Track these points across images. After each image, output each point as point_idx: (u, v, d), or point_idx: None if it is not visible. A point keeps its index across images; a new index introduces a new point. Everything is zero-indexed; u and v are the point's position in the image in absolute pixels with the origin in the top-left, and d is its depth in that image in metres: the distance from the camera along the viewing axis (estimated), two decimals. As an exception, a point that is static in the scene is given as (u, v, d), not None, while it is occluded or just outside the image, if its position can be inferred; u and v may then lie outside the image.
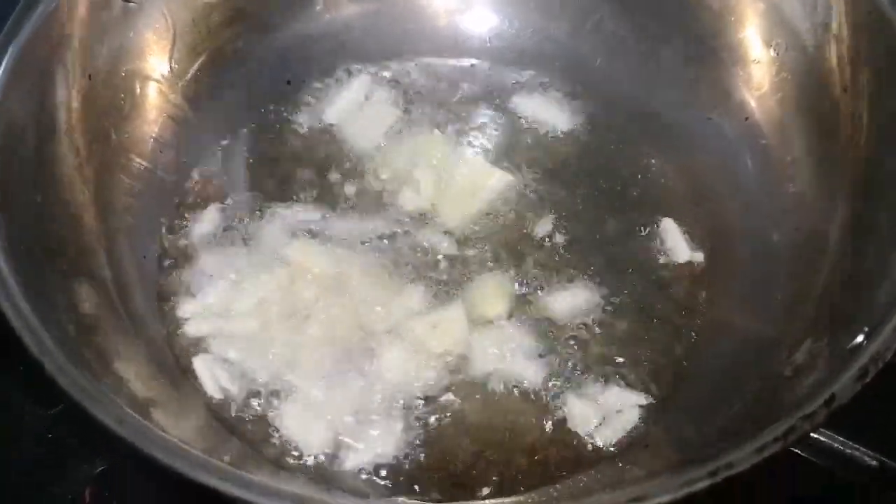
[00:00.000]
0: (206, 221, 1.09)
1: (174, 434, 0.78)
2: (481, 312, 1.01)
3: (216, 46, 1.16)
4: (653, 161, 1.16)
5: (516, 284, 1.04)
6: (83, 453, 1.00)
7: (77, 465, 0.99)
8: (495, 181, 1.12)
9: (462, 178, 1.13)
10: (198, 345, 0.99)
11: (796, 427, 0.74)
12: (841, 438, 0.91)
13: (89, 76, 1.01)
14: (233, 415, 0.95)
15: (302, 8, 1.21)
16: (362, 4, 1.23)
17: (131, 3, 1.05)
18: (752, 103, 1.12)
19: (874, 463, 0.91)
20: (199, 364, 0.97)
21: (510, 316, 1.02)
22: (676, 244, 1.08)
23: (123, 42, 1.06)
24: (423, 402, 0.96)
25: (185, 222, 1.09)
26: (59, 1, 0.96)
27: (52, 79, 0.96)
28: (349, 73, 1.21)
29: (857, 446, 0.91)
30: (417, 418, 0.95)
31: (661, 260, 1.08)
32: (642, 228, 1.10)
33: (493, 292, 1.03)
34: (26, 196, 0.90)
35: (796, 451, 0.89)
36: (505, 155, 1.16)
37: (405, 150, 1.15)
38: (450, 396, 0.96)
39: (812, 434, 0.80)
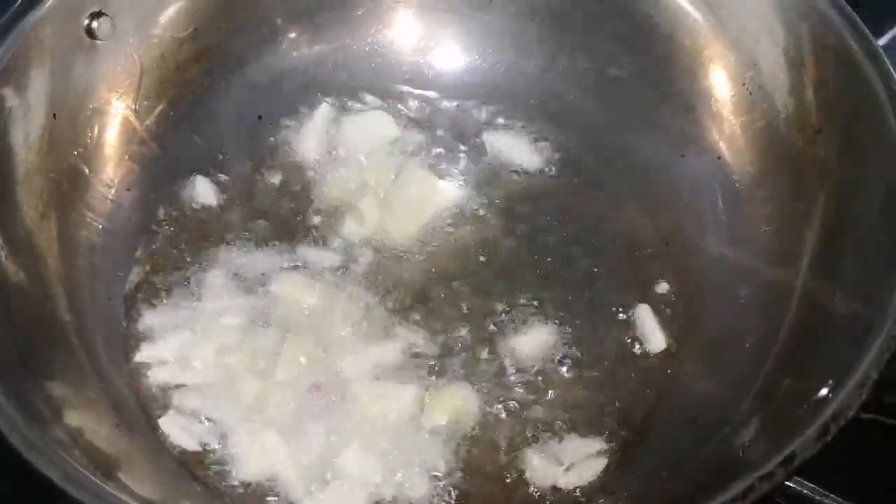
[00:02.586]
0: (174, 260, 1.07)
1: (135, 487, 0.77)
2: (433, 413, 0.97)
3: (185, 81, 1.14)
4: (624, 200, 1.14)
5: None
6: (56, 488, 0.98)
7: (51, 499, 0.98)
8: (440, 194, 1.13)
9: (408, 195, 1.12)
10: (162, 393, 0.97)
11: (755, 487, 0.73)
12: (810, 485, 0.89)
13: (54, 115, 0.99)
14: (198, 465, 0.93)
15: (272, 43, 1.19)
16: (332, 41, 1.21)
17: (98, 41, 1.04)
18: (724, 143, 1.11)
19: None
20: (165, 416, 0.96)
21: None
22: (652, 333, 1.04)
23: (90, 79, 1.04)
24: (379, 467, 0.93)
25: (150, 263, 1.06)
26: (23, 39, 0.95)
27: (14, 118, 0.94)
28: (320, 108, 1.19)
29: (827, 493, 0.90)
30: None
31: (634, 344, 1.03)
32: (613, 305, 1.06)
33: (453, 406, 0.97)
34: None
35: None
36: (474, 191, 1.14)
37: (359, 178, 1.15)
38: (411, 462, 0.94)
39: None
